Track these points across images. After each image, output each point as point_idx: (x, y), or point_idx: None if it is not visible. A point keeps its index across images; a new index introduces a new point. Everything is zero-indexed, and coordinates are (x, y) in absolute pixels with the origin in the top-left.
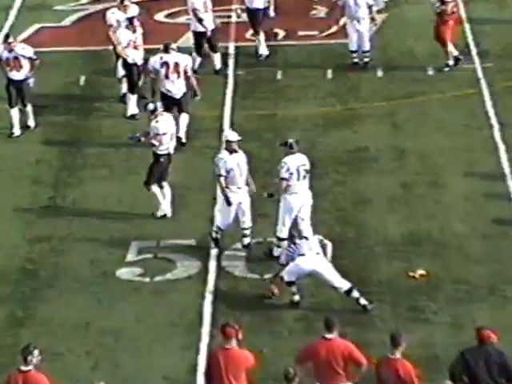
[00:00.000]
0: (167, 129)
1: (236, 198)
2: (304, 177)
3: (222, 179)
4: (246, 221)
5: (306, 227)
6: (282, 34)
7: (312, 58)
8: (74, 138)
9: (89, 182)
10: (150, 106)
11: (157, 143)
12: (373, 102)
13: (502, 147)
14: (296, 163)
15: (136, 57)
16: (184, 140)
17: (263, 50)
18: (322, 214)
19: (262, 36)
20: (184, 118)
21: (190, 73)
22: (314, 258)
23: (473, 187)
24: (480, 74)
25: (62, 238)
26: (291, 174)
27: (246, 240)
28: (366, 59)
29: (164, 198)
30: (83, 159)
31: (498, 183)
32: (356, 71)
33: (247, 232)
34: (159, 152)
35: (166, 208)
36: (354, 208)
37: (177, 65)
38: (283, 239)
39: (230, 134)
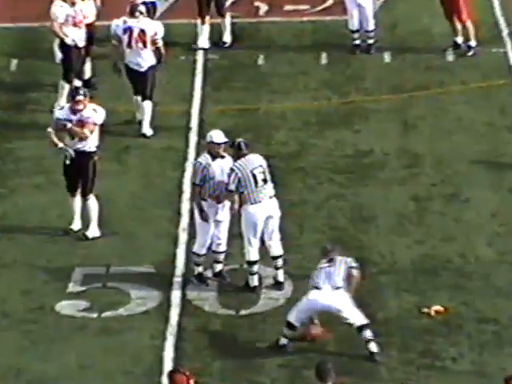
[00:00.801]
0: (102, 120)
1: (213, 214)
2: (264, 181)
3: (196, 189)
4: (222, 243)
5: (275, 246)
6: (264, 8)
7: (302, 39)
8: (3, 137)
9: (21, 192)
10: (82, 92)
11: (88, 134)
12: (379, 93)
13: None
14: (248, 167)
15: (76, 36)
16: (150, 133)
17: (227, 38)
18: (314, 233)
19: (227, 20)
20: (147, 107)
21: (160, 43)
22: (331, 293)
23: (502, 202)
24: None
25: None
26: (245, 181)
27: (219, 267)
28: (370, 41)
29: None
30: (14, 164)
31: None
32: (357, 55)
33: (221, 257)
34: (94, 149)
35: (92, 231)
36: (354, 227)
37: (143, 32)
38: (253, 262)
39: (216, 135)
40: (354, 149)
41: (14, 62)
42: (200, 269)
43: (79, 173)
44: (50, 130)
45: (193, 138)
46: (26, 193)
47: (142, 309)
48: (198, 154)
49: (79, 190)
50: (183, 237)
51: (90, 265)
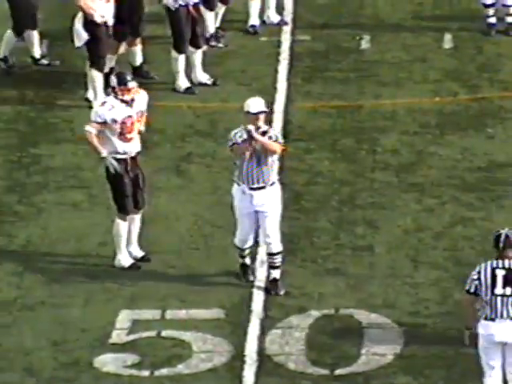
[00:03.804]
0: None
1: (250, 204)
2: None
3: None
4: (273, 242)
5: None
6: None
7: (419, 15)
8: (28, 141)
9: (51, 213)
10: (130, 77)
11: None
12: None
13: None
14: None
15: (106, 12)
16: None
17: (252, 19)
18: (432, 270)
19: None
20: (198, 57)
21: None
22: (508, 325)
23: None
24: None
25: (7, 304)
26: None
27: (275, 273)
28: (510, 19)
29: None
30: (43, 175)
31: None
32: (493, 37)
33: (276, 261)
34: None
35: (135, 251)
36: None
37: None
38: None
39: (253, 103)
40: (487, 160)
41: (44, 43)
42: (246, 260)
43: (136, 182)
44: (91, 129)
45: None
46: (58, 213)
47: (207, 365)
48: (281, 166)
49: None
50: (262, 272)
51: (141, 307)
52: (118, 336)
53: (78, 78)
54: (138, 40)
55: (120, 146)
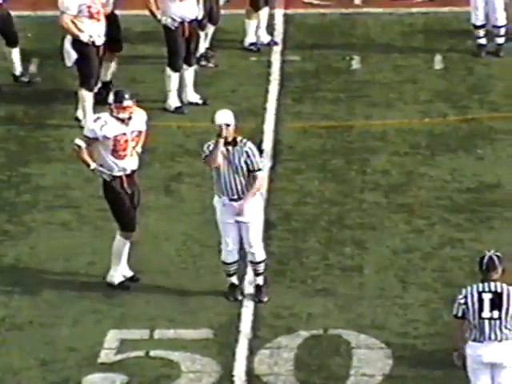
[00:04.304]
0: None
1: (231, 215)
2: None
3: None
4: (256, 252)
5: None
6: None
7: (409, 36)
8: (18, 160)
9: (40, 232)
10: (128, 95)
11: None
12: (509, 109)
13: None
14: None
15: (94, 32)
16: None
17: (250, 38)
18: (421, 291)
19: (261, 16)
20: (190, 75)
21: None
22: (496, 346)
23: None
24: None
25: None
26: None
27: (259, 280)
28: (500, 40)
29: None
30: (32, 194)
31: None
32: (483, 58)
33: (260, 268)
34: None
35: (124, 271)
36: None
37: None
38: None
39: (219, 115)
40: (476, 181)
41: (34, 61)
42: (233, 279)
43: (131, 200)
44: (80, 143)
45: (265, 163)
46: (47, 233)
47: None
48: (271, 186)
49: None
50: (250, 292)
51: (129, 327)
52: (106, 356)
53: (69, 97)
54: (114, 56)
55: (113, 162)
